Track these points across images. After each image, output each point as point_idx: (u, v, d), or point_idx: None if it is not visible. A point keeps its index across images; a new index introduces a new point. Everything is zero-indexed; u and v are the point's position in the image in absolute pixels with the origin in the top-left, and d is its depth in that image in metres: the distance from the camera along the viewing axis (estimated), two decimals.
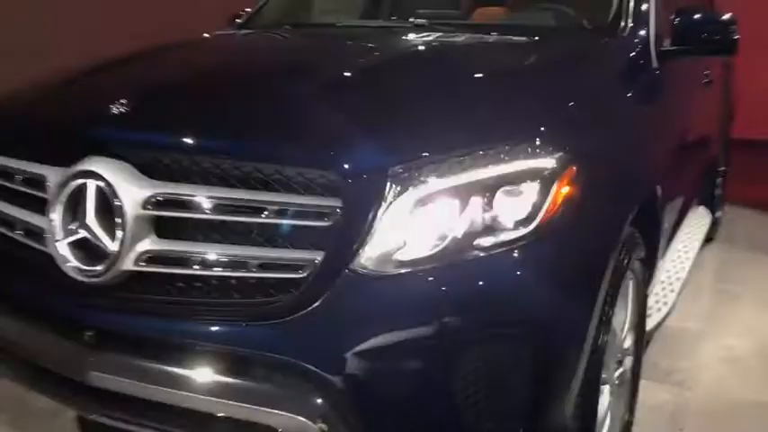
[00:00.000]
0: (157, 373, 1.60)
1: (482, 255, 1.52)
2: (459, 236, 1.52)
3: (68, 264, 1.64)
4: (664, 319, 2.82)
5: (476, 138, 1.59)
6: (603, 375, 1.90)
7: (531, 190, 1.56)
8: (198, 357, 1.59)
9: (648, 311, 2.62)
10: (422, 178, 1.51)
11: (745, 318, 3.51)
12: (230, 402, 1.56)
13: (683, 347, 3.20)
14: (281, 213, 1.52)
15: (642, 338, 2.35)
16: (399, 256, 1.51)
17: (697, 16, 2.51)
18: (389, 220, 1.50)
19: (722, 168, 4.57)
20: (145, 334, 1.64)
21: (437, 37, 2.50)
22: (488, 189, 1.54)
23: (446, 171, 1.52)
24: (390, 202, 1.50)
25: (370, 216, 1.49)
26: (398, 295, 1.52)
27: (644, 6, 2.49)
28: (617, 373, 2.10)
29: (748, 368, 3.03)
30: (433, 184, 1.52)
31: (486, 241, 1.53)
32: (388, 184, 1.50)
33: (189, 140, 1.64)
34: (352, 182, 1.49)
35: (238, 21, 3.10)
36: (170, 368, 1.60)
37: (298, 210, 1.52)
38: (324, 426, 1.48)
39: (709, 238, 4.49)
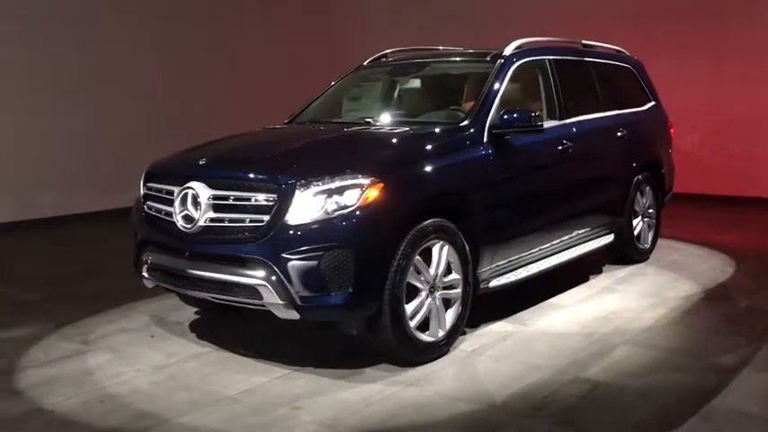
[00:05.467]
0: (213, 266, 3.96)
1: (334, 216, 3.78)
2: (326, 209, 3.79)
3: (181, 223, 4.06)
4: (511, 284, 4.81)
5: (336, 170, 3.89)
6: (418, 285, 4.06)
7: (355, 192, 3.81)
8: (228, 259, 3.92)
9: (496, 276, 4.68)
10: (311, 187, 3.81)
11: (604, 304, 5.30)
12: (239, 276, 3.87)
13: (547, 310, 5.13)
14: (256, 200, 3.87)
15: (469, 284, 4.40)
16: (301, 217, 3.79)
17: (512, 114, 4.65)
18: (297, 203, 3.79)
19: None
20: (208, 251, 4.01)
21: (365, 128, 4.85)
22: (339, 190, 3.80)
23: (321, 184, 3.81)
24: (297, 196, 3.79)
25: (290, 201, 3.79)
26: (300, 232, 3.78)
27: (481, 113, 4.67)
28: (439, 293, 4.20)
29: (571, 320, 4.91)
30: (316, 189, 3.81)
31: (337, 211, 3.78)
32: (296, 189, 3.80)
33: (224, 173, 4.07)
34: (282, 188, 3.82)
35: (286, 120, 5.61)
36: (217, 264, 3.95)
37: (261, 198, 3.85)
38: (267, 283, 3.76)
39: (639, 261, 6.39)
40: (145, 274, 4.41)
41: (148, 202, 4.43)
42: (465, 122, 4.63)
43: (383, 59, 6.00)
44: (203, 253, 4.02)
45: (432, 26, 11.03)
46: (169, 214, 4.19)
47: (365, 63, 5.99)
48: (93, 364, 4.29)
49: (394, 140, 4.59)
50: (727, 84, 9.47)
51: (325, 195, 3.80)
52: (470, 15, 10.85)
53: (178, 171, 4.32)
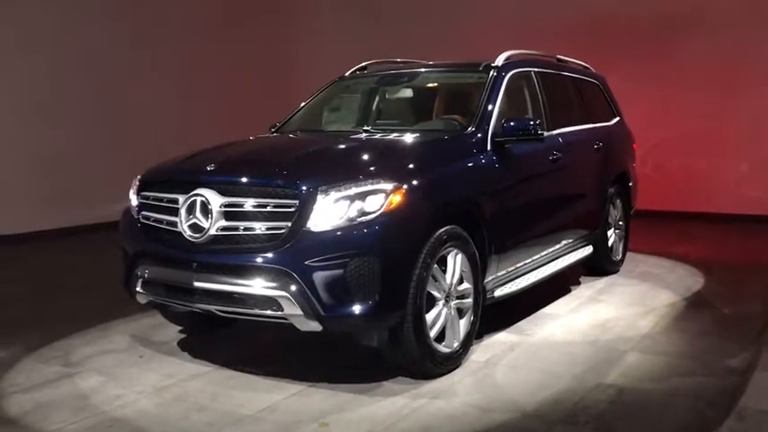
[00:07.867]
0: (225, 277, 3.73)
1: (357, 223, 3.63)
2: (349, 215, 3.63)
3: (188, 233, 3.82)
4: (513, 293, 4.77)
5: (358, 176, 3.75)
6: (436, 294, 3.95)
7: (379, 197, 3.68)
8: (244, 269, 3.70)
9: (499, 286, 4.62)
10: (333, 192, 3.65)
11: (595, 313, 5.34)
12: (255, 287, 3.65)
13: (543, 320, 5.12)
14: (274, 207, 3.68)
15: (479, 293, 4.32)
16: (324, 224, 3.63)
17: (514, 122, 4.64)
18: (319, 209, 3.63)
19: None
20: (220, 262, 3.77)
21: (367, 136, 4.74)
22: (361, 196, 3.66)
23: (343, 189, 3.67)
24: (319, 202, 3.63)
25: (311, 207, 3.63)
26: (323, 240, 3.61)
27: (483, 121, 4.64)
28: (453, 303, 4.11)
29: (570, 329, 4.93)
30: (338, 194, 3.65)
31: (360, 217, 3.64)
32: (318, 194, 3.64)
33: (237, 179, 3.86)
34: (303, 193, 3.65)
35: (272, 129, 5.42)
36: (230, 275, 3.72)
37: (281, 204, 3.67)
38: (288, 293, 3.57)
39: (612, 272, 6.48)
40: (139, 289, 4.12)
41: (144, 212, 4.15)
42: (470, 130, 4.58)
43: (358, 71, 5.91)
44: (214, 264, 3.78)
45: (380, 39, 11.03)
46: (172, 224, 3.94)
47: (346, 74, 5.88)
48: (85, 387, 3.96)
49: (408, 146, 4.48)
50: (662, 102, 9.84)
51: (348, 201, 3.65)
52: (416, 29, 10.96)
53: (182, 178, 4.08)
